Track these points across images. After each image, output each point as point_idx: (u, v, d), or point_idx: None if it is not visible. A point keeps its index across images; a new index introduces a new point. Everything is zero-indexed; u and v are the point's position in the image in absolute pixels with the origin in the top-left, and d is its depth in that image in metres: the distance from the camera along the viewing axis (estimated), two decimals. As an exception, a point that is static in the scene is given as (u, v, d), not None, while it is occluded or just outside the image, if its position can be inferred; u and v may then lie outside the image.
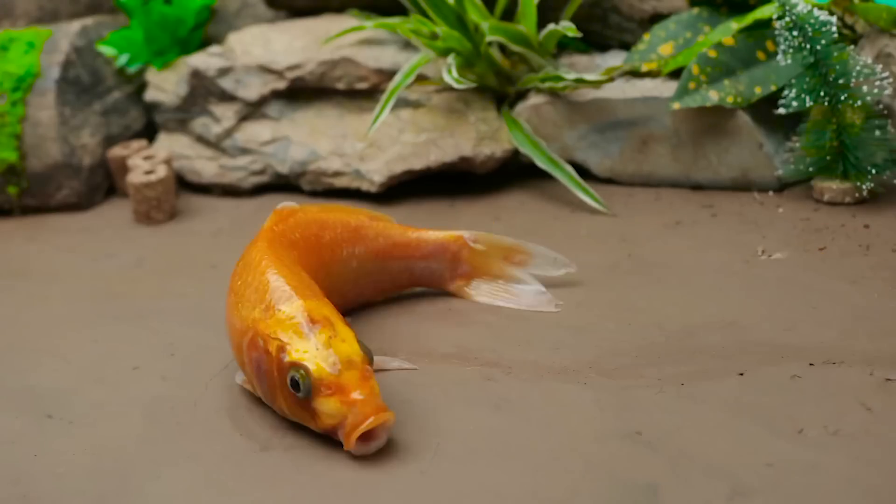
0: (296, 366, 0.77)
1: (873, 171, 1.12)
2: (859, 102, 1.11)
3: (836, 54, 1.10)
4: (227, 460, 0.79)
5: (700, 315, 0.93)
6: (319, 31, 1.35)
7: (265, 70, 1.33)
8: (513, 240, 1.00)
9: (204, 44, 1.44)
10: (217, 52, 1.37)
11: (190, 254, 1.18)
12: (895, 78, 1.13)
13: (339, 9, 1.42)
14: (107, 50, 1.39)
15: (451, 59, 1.25)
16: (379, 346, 0.92)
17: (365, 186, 1.26)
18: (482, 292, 0.99)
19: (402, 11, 1.36)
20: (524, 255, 0.99)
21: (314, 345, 0.78)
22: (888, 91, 1.11)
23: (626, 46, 1.36)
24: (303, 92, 1.34)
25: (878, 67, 1.11)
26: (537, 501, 0.71)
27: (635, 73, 1.24)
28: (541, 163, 1.21)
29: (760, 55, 1.18)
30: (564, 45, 1.36)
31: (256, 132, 1.33)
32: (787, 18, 1.11)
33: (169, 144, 1.37)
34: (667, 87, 1.20)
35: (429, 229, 1.00)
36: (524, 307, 0.97)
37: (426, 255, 0.99)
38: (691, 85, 1.17)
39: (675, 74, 1.22)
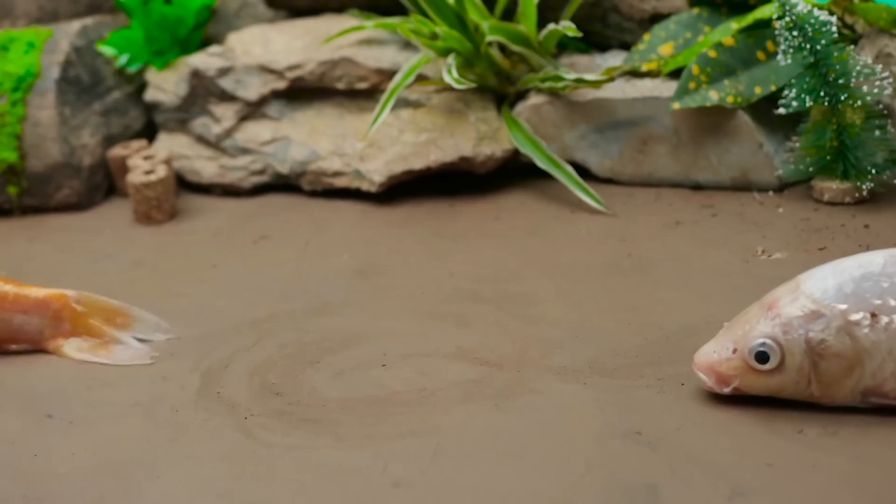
0: None
1: (873, 171, 1.12)
2: (859, 102, 1.11)
3: (836, 54, 1.10)
4: (226, 460, 0.79)
5: (700, 315, 0.93)
6: (319, 31, 1.35)
7: (265, 70, 1.33)
8: (117, 303, 1.00)
9: (204, 44, 1.44)
10: (217, 52, 1.37)
11: (190, 254, 1.18)
12: (895, 78, 1.13)
13: (339, 9, 1.42)
14: (107, 50, 1.39)
15: (451, 59, 1.25)
16: (380, 347, 0.93)
17: (365, 186, 1.26)
18: (78, 350, 0.98)
19: (402, 11, 1.36)
20: (125, 317, 1.00)
21: None
22: (888, 91, 1.11)
23: (626, 46, 1.36)
24: (303, 92, 1.34)
25: (878, 67, 1.11)
26: (537, 501, 0.71)
27: (635, 73, 1.24)
28: (541, 163, 1.21)
29: (760, 55, 1.18)
30: (564, 45, 1.36)
31: (256, 132, 1.33)
32: (787, 18, 1.11)
33: (169, 144, 1.37)
34: (667, 87, 1.20)
35: (32, 286, 0.99)
36: (119, 363, 0.96)
37: (25, 311, 0.98)
38: (691, 85, 1.17)
39: (675, 74, 1.22)
